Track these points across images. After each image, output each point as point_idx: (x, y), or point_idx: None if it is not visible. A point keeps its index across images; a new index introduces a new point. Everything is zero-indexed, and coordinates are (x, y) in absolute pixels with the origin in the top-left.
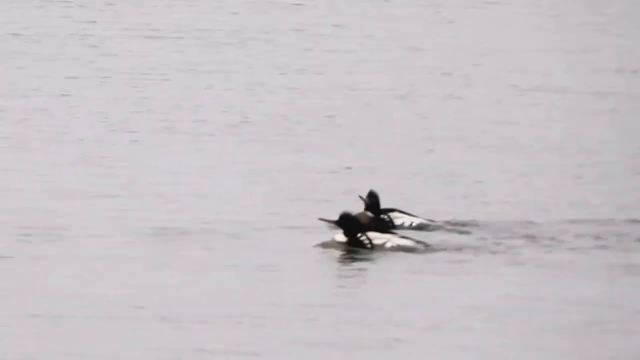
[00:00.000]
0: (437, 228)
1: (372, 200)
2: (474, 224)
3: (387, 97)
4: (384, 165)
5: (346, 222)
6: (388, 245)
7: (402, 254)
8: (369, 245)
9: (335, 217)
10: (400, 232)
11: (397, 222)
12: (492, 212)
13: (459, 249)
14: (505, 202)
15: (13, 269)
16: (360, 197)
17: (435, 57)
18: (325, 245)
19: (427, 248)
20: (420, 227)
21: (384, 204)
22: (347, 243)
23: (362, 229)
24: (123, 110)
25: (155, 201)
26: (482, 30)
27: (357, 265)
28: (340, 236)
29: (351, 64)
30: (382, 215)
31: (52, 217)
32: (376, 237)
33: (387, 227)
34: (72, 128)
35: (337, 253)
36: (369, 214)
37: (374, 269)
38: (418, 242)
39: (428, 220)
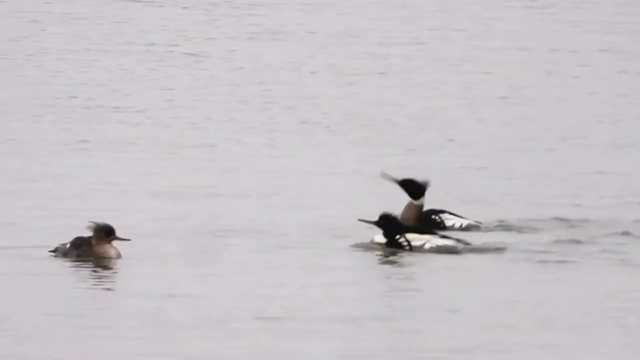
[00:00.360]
0: (486, 229)
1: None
2: (545, 223)
3: (491, 98)
4: (490, 165)
5: (386, 222)
6: (427, 246)
7: (484, 254)
8: (407, 247)
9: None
10: (449, 232)
11: (448, 223)
12: (587, 211)
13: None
14: (607, 201)
15: (121, 269)
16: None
17: (541, 57)
18: (363, 246)
19: (468, 247)
20: (469, 228)
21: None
22: (386, 244)
23: (401, 230)
24: (231, 112)
25: (261, 202)
26: (586, 30)
27: (439, 266)
28: (379, 237)
29: (455, 64)
30: (433, 216)
31: (161, 218)
32: (415, 239)
33: (439, 228)
34: (178, 129)
35: (406, 256)
36: (415, 202)
37: (457, 270)
38: (458, 241)
39: (476, 221)
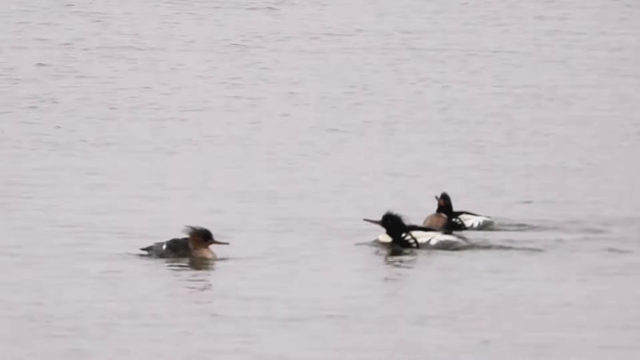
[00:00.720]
0: (500, 225)
1: (445, 202)
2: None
3: (549, 97)
4: (556, 164)
5: (390, 222)
6: (433, 242)
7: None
8: (414, 245)
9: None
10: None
11: (467, 223)
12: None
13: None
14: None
15: (207, 270)
16: (437, 197)
17: (603, 55)
18: (368, 245)
19: (467, 242)
20: (485, 225)
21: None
22: (392, 243)
23: (405, 229)
24: (301, 111)
25: (327, 201)
26: None
27: (485, 264)
28: (384, 236)
29: (515, 63)
30: (453, 219)
31: (228, 218)
32: (420, 236)
33: (459, 229)
34: (252, 129)
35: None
36: (443, 215)
37: (504, 268)
38: (459, 237)
39: (487, 217)
